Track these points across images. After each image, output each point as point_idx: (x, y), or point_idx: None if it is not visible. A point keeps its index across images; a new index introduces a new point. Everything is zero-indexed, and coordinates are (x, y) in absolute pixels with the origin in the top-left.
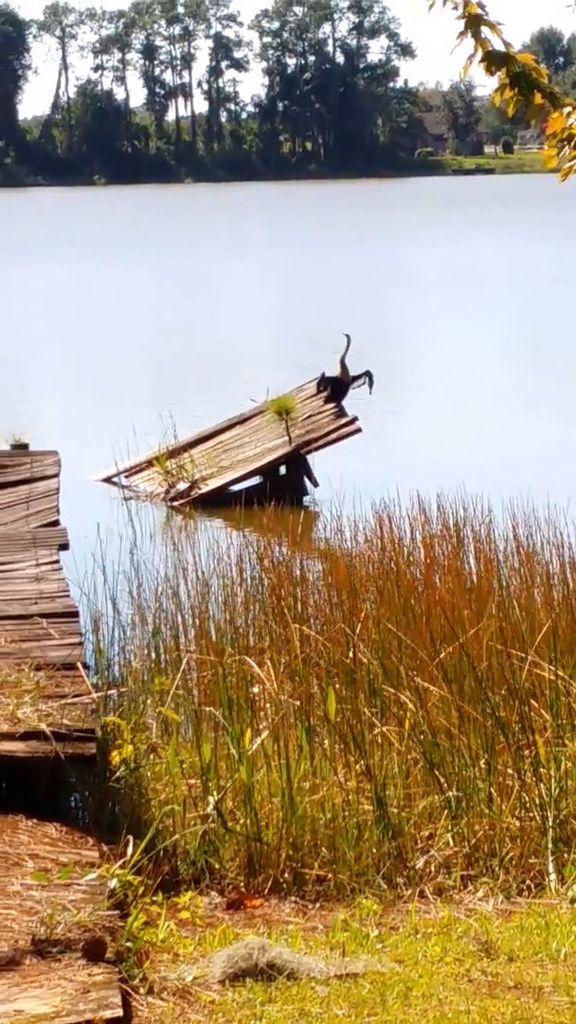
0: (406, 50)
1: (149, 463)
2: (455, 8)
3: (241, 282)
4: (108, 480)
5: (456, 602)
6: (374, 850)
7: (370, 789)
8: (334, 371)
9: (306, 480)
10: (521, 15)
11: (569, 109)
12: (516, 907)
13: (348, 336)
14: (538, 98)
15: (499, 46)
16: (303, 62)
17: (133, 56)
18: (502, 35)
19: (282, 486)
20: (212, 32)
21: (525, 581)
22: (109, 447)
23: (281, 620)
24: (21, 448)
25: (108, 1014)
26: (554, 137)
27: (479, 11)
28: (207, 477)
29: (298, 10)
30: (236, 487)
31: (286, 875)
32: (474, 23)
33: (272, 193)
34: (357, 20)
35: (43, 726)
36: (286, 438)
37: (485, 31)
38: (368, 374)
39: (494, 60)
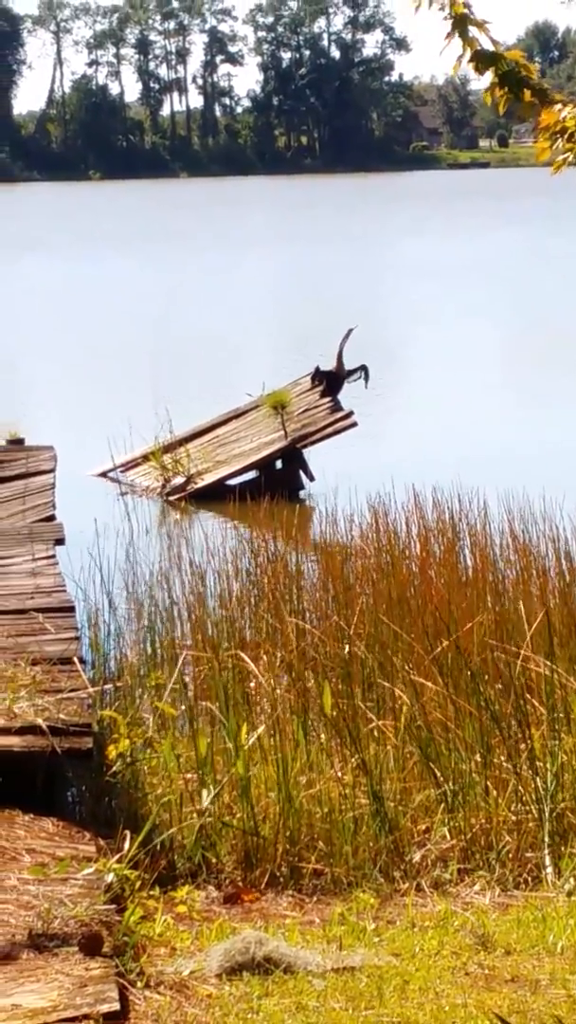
0: (401, 44)
1: (145, 458)
2: (441, 9)
3: (238, 276)
4: (104, 475)
5: (451, 596)
6: (371, 844)
7: (366, 783)
8: (330, 364)
9: (302, 474)
10: (516, 9)
11: (560, 105)
12: (513, 900)
13: (350, 329)
14: (528, 95)
15: (487, 45)
16: (298, 56)
17: (128, 51)
18: (490, 34)
19: (278, 480)
20: (207, 27)
21: (521, 575)
22: (105, 442)
23: (277, 614)
24: (17, 443)
25: (105, 1008)
26: (547, 131)
27: (465, 11)
28: (203, 472)
29: (293, 4)
30: (232, 482)
31: (283, 869)
32: (461, 23)
33: (268, 187)
34: (352, 14)
35: (39, 721)
36: (282, 432)
37: (473, 30)
38: (364, 368)
39: (482, 59)
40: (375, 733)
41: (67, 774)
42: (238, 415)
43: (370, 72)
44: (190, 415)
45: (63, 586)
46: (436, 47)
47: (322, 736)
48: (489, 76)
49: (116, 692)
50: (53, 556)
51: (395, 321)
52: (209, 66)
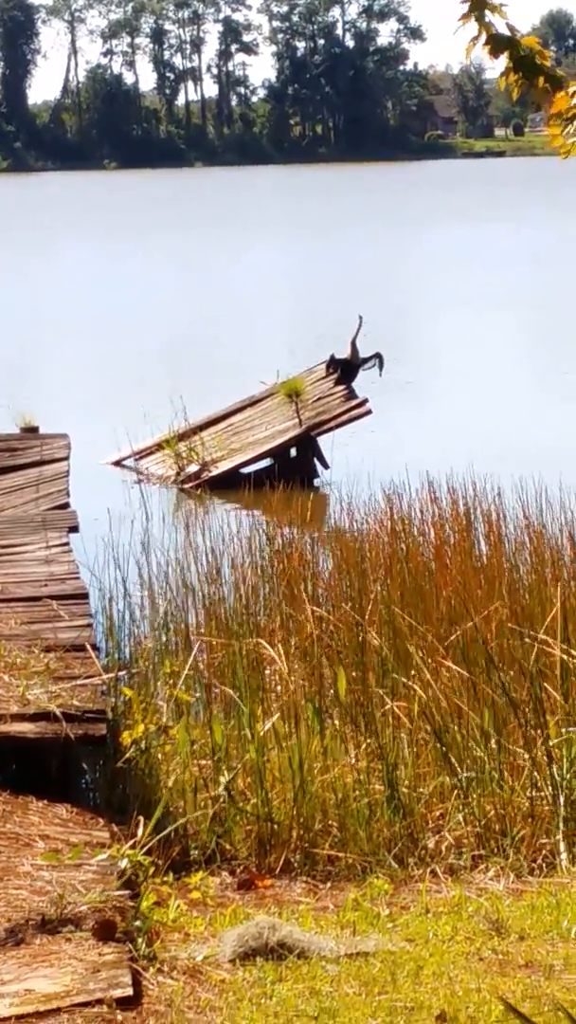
0: (415, 33)
1: (159, 446)
2: None
3: (253, 265)
4: (118, 463)
5: (466, 582)
6: (385, 830)
7: (381, 769)
8: (345, 352)
9: (316, 462)
10: None
11: (574, 89)
12: (527, 886)
13: (360, 317)
14: (541, 82)
15: (503, 29)
16: (313, 45)
17: (142, 40)
18: (506, 18)
19: (292, 468)
20: (221, 16)
21: (535, 561)
22: (119, 430)
23: (291, 601)
24: (31, 431)
25: (118, 993)
26: (559, 117)
27: None
28: (217, 460)
29: None
30: (246, 469)
31: (297, 855)
32: (477, 6)
33: (283, 176)
34: (366, 3)
35: (53, 707)
36: (296, 420)
37: (489, 14)
38: (378, 356)
39: (498, 44)
40: (390, 719)
41: (81, 761)
42: (252, 403)
43: (385, 61)
44: (205, 403)
45: (76, 573)
46: (451, 35)
47: (337, 722)
48: (504, 61)
49: (130, 679)
50: (67, 544)
51: (414, 309)
52: (224, 55)
